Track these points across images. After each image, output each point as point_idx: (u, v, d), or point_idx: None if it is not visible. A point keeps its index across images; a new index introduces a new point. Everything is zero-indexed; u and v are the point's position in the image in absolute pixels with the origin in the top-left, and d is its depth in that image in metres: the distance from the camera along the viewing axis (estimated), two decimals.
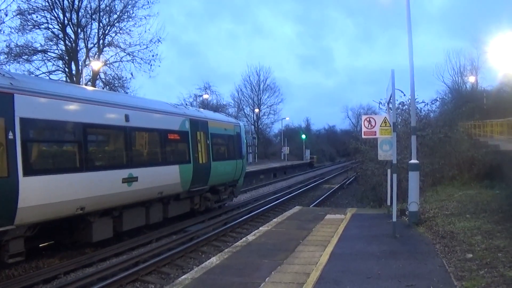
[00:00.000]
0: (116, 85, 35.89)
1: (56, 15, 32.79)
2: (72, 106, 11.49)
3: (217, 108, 60.04)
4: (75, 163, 11.51)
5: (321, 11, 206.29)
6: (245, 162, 24.06)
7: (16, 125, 9.68)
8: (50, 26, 32.72)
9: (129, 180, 13.16)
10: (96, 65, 33.87)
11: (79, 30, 34.08)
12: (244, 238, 11.75)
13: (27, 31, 31.40)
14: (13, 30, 30.44)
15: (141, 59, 35.45)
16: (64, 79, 33.40)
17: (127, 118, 13.44)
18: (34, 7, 31.09)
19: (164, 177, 15.24)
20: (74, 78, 33.04)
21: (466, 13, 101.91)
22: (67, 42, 33.79)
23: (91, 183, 11.67)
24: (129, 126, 13.56)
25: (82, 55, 35.01)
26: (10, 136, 9.52)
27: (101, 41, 35.21)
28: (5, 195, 9.32)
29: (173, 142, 16.46)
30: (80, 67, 33.39)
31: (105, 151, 13.24)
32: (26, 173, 9.76)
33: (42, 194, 10.16)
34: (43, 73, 32.34)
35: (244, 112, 76.08)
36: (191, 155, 17.20)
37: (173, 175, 15.81)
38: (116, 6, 34.76)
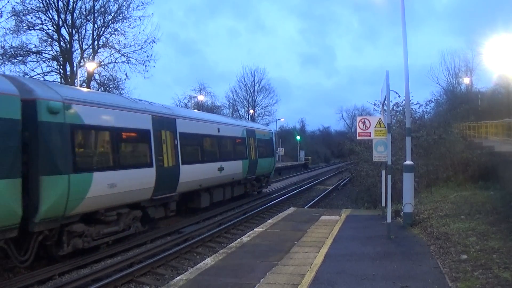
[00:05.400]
0: (110, 86, 35.82)
1: (50, 16, 32.71)
2: (199, 124, 19.40)
3: (211, 109, 59.90)
4: (198, 158, 18.83)
5: (326, 7, 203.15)
6: (275, 159, 32.56)
7: (178, 136, 16.72)
8: (45, 27, 32.66)
9: (220, 169, 20.50)
10: (90, 66, 33.76)
11: (73, 31, 33.94)
12: (238, 239, 11.76)
13: (22, 32, 31.39)
14: (7, 31, 30.47)
15: (136, 60, 35.54)
16: (58, 80, 33.29)
17: (218, 130, 21.29)
18: (28, 8, 31.04)
19: (235, 168, 22.72)
20: (69, 79, 32.93)
21: (462, 14, 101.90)
22: (61, 43, 33.67)
23: (205, 170, 19.03)
24: (220, 135, 21.40)
25: (76, 56, 35.02)
26: (176, 142, 16.56)
27: (95, 42, 35.13)
28: (174, 175, 16.15)
29: (238, 144, 24.12)
30: (74, 68, 33.32)
31: (211, 150, 20.56)
32: (183, 163, 16.76)
33: (188, 175, 17.02)
34: (38, 74, 32.30)
35: (239, 113, 76.01)
36: (247, 153, 24.93)
37: (238, 167, 23.37)
38: (110, 7, 34.73)
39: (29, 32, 31.81)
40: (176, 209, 16.71)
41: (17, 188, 9.67)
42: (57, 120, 10.88)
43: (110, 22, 34.98)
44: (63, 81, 32.74)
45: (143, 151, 14.70)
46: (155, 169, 14.73)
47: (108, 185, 12.37)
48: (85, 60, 34.61)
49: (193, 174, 17.53)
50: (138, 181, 13.80)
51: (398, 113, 19.47)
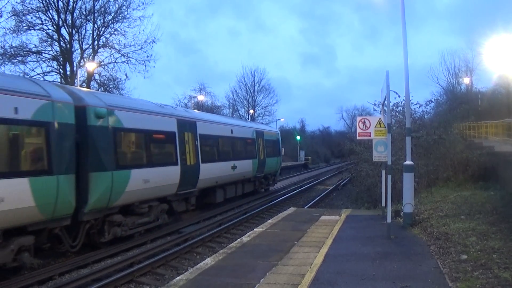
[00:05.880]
0: (110, 86, 35.78)
1: (50, 16, 32.64)
2: (215, 126, 21.33)
3: (211, 109, 59.82)
4: (215, 157, 20.64)
5: (327, 7, 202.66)
6: (281, 159, 34.61)
7: (198, 137, 18.47)
8: (45, 27, 32.58)
9: (233, 167, 22.45)
10: (90, 66, 33.75)
11: (73, 31, 33.89)
12: (238, 239, 11.74)
13: (22, 32, 31.32)
14: (7, 31, 30.40)
15: (136, 60, 35.52)
16: (58, 80, 33.27)
17: (232, 131, 23.22)
18: (28, 8, 30.98)
19: (246, 167, 24.55)
20: (69, 79, 32.90)
21: (463, 13, 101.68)
22: (61, 43, 33.63)
23: (220, 168, 20.83)
24: (233, 136, 23.35)
25: (76, 56, 34.95)
26: (196, 143, 18.28)
27: (95, 42, 35.07)
28: (195, 172, 17.85)
29: (249, 145, 26.04)
30: (74, 68, 33.31)
31: (225, 150, 22.27)
32: (202, 161, 18.54)
33: (206, 172, 18.82)
34: (38, 74, 32.23)
35: (239, 113, 75.90)
36: (256, 153, 26.72)
37: (249, 166, 25.21)
38: (110, 7, 34.71)
39: (29, 32, 31.80)
40: (195, 203, 18.58)
41: (72, 182, 11.20)
42: (102, 124, 12.56)
43: (110, 22, 34.97)
44: (63, 81, 32.69)
45: (170, 150, 16.49)
46: (179, 167, 16.55)
47: (142, 181, 14.06)
48: (85, 60, 34.60)
49: (210, 171, 19.43)
50: (166, 177, 15.66)
51: (398, 113, 19.48)
